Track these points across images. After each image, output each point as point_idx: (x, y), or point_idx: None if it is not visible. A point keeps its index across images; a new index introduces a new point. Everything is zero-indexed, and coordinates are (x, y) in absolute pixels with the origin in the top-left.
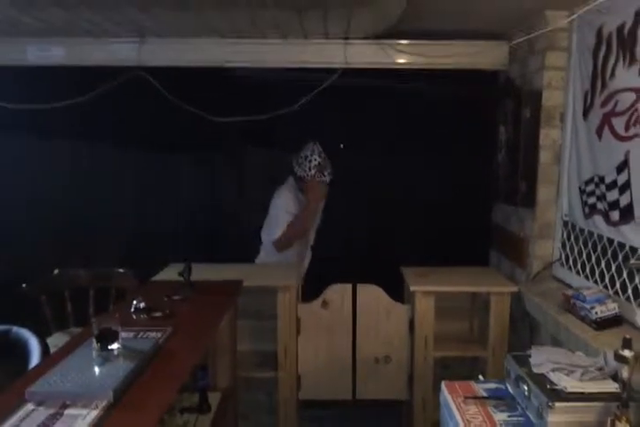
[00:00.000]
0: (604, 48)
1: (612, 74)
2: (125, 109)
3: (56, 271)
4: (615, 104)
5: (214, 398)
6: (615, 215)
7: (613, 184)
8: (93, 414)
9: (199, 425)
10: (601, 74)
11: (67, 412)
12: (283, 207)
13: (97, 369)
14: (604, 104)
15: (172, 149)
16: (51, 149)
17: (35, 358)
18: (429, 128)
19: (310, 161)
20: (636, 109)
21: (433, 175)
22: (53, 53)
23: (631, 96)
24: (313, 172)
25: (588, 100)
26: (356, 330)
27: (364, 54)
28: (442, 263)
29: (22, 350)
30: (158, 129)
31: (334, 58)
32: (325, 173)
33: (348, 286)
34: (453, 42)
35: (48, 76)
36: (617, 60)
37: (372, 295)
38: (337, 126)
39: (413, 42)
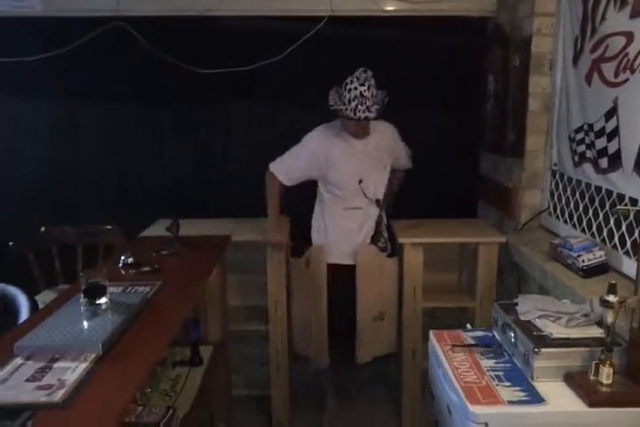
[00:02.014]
0: None
1: (603, 18)
2: (105, 62)
3: (43, 229)
4: (605, 49)
5: (206, 352)
6: (604, 163)
7: (602, 131)
8: (83, 366)
9: (191, 378)
10: (591, 18)
11: (56, 365)
12: (303, 140)
13: (85, 323)
14: (593, 49)
15: (155, 102)
16: (28, 105)
17: (23, 315)
18: (417, 78)
19: (349, 90)
20: (627, 54)
21: (420, 126)
22: (28, 4)
23: (621, 40)
24: (340, 103)
25: (578, 46)
26: (356, 290)
27: (351, 1)
28: (430, 215)
29: (11, 307)
30: (140, 82)
31: (319, 5)
32: (360, 109)
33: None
34: None
35: (23, 28)
36: (608, 4)
37: (366, 254)
38: (324, 77)
39: None
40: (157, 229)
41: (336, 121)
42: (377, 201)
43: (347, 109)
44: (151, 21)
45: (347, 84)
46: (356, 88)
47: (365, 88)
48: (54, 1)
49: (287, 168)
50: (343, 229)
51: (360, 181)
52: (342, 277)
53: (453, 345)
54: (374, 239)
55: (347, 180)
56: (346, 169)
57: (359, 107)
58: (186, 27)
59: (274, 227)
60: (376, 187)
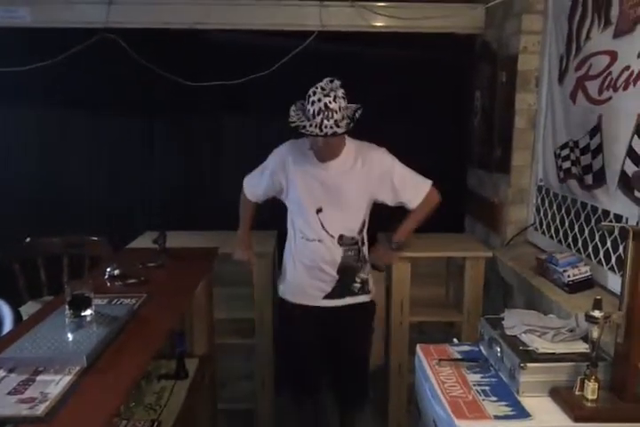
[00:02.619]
0: (579, 11)
1: (587, 37)
2: (95, 73)
3: (28, 239)
4: (589, 67)
5: (192, 365)
6: (589, 179)
7: (587, 148)
8: (67, 379)
9: (176, 391)
10: (576, 37)
11: (39, 378)
12: (269, 156)
13: (70, 335)
14: (578, 68)
15: (145, 114)
16: (17, 115)
17: (7, 326)
18: (404, 94)
19: (312, 102)
20: (610, 73)
21: (408, 141)
22: (19, 15)
23: (605, 59)
24: (304, 119)
25: (563, 64)
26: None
27: (340, 17)
28: (417, 230)
29: None
30: (130, 93)
31: (310, 20)
32: (326, 124)
33: None
34: (430, 4)
35: (13, 39)
36: (592, 23)
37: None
38: None
39: (390, 4)
40: (144, 241)
41: (303, 139)
42: (340, 237)
43: (311, 125)
44: (141, 33)
45: (309, 95)
46: (319, 99)
47: (331, 99)
48: (44, 12)
49: (252, 184)
50: (304, 263)
51: (319, 210)
52: (308, 319)
53: (440, 359)
54: (343, 281)
55: (304, 205)
56: (303, 193)
57: (325, 122)
58: (176, 39)
59: (239, 243)
60: (337, 223)
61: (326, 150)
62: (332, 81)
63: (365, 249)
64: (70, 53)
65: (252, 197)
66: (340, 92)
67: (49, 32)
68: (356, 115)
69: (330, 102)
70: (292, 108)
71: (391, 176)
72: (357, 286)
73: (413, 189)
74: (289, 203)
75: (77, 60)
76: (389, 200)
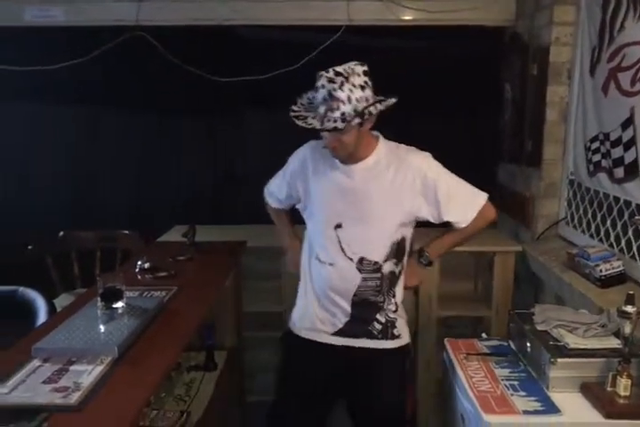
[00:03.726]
0: (613, 1)
1: (621, 27)
2: (125, 70)
3: (61, 233)
4: (622, 59)
5: (220, 357)
6: (620, 172)
7: (618, 141)
8: (99, 369)
9: (205, 383)
10: (609, 28)
11: (72, 368)
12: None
13: (102, 327)
14: (610, 59)
15: (174, 110)
16: (50, 112)
17: (41, 318)
18: (434, 87)
19: (315, 89)
20: None
21: (437, 135)
22: (51, 13)
23: (639, 50)
24: (305, 110)
25: (595, 56)
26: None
27: (368, 11)
28: (447, 224)
29: (29, 310)
30: (159, 90)
31: (337, 15)
32: (330, 118)
33: None
34: None
35: (45, 38)
36: (627, 13)
37: None
38: None
39: None
40: (174, 235)
41: None
42: (360, 261)
43: (314, 117)
44: (171, 31)
45: (317, 80)
46: (323, 86)
47: (336, 86)
48: (76, 11)
49: (272, 191)
50: (315, 290)
51: (338, 226)
52: (316, 359)
53: (467, 354)
54: (359, 319)
55: (320, 218)
56: (321, 203)
57: (329, 114)
58: (205, 36)
59: (289, 257)
60: (359, 243)
61: (338, 149)
62: (355, 65)
63: (397, 282)
64: (101, 51)
65: (277, 204)
66: (359, 80)
67: (80, 30)
68: (370, 110)
69: (335, 90)
70: (305, 95)
71: (435, 188)
72: (378, 327)
73: (462, 206)
74: (306, 215)
75: (107, 58)
76: (432, 217)
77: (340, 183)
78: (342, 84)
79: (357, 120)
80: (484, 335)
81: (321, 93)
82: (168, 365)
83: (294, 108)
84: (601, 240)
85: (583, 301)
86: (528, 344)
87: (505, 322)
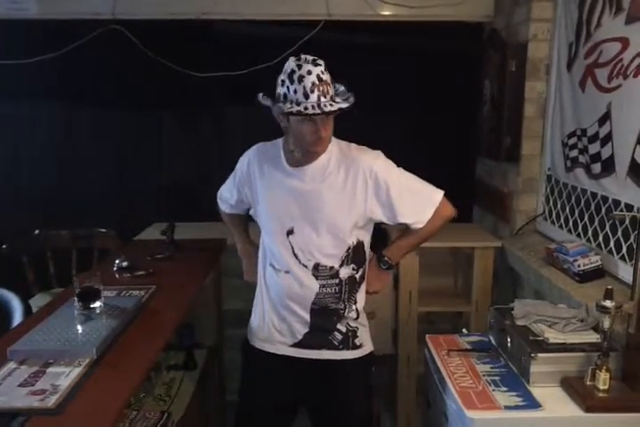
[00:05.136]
0: None
1: (598, 24)
2: (101, 65)
3: (37, 232)
4: (599, 55)
5: (200, 356)
6: (597, 168)
7: (595, 136)
8: (76, 371)
9: (185, 382)
10: (586, 24)
11: (49, 370)
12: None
13: (79, 327)
14: (587, 55)
15: (151, 105)
16: (23, 108)
17: (17, 319)
18: (413, 83)
19: (300, 78)
20: (621, 60)
21: (416, 131)
22: (24, 6)
23: (616, 46)
24: (292, 100)
25: (573, 52)
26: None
27: (347, 6)
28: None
29: (4, 311)
30: (136, 85)
31: (316, 9)
32: (324, 102)
33: None
34: None
35: (19, 31)
36: (603, 10)
37: None
38: None
39: None
40: (153, 233)
41: (275, 141)
42: (315, 267)
43: (313, 107)
44: (147, 24)
45: (293, 71)
46: (309, 71)
47: (322, 68)
48: (50, 3)
49: (225, 197)
50: (271, 299)
51: (290, 232)
52: (275, 373)
53: (449, 350)
54: (318, 328)
55: (271, 225)
56: (270, 209)
57: (322, 99)
58: (183, 31)
59: (247, 265)
60: (312, 249)
61: (324, 140)
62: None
63: (357, 287)
64: (76, 45)
65: (229, 210)
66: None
67: (55, 24)
68: (351, 100)
69: (322, 73)
70: (262, 96)
71: (387, 188)
72: (339, 337)
73: (417, 207)
74: (258, 221)
75: (83, 52)
76: (387, 219)
77: (289, 186)
78: (325, 68)
79: (352, 100)
80: (464, 331)
81: (308, 80)
82: (147, 365)
83: (285, 108)
84: (579, 235)
85: (562, 295)
86: (508, 339)
87: (485, 317)
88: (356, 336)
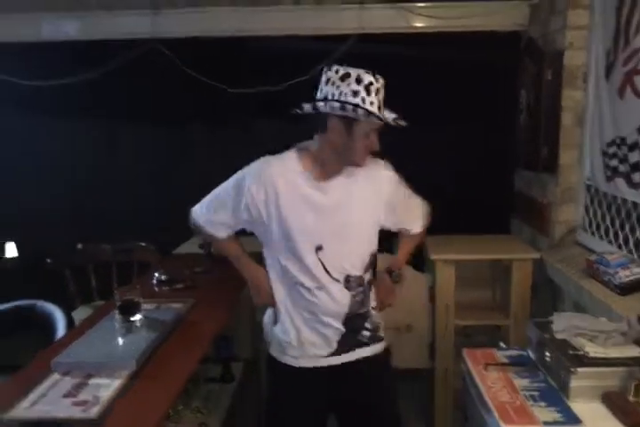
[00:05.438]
0: (628, 4)
1: (637, 30)
2: (140, 83)
3: (79, 246)
4: (638, 61)
5: (237, 369)
6: (637, 177)
7: (635, 145)
8: (117, 383)
9: (223, 395)
10: (624, 31)
11: (91, 381)
12: (233, 176)
13: (120, 340)
14: (626, 62)
15: (187, 121)
16: (66, 126)
17: (60, 331)
18: (449, 95)
19: (365, 83)
20: None
21: (452, 143)
22: (67, 28)
23: None
24: (330, 92)
25: (610, 59)
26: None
27: (380, 19)
28: (463, 231)
29: (47, 324)
30: (173, 102)
31: (349, 23)
32: (368, 101)
33: None
34: (471, 2)
35: (61, 51)
36: None
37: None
38: None
39: (430, 4)
40: (191, 247)
41: (288, 152)
42: (346, 280)
43: (389, 119)
44: (184, 42)
45: (370, 83)
46: (371, 83)
47: (380, 79)
48: (91, 25)
49: (212, 220)
50: (303, 316)
51: (318, 248)
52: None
53: (486, 364)
54: (350, 332)
55: (298, 244)
56: (297, 227)
57: (389, 113)
58: (219, 48)
59: (260, 288)
60: (342, 262)
61: (370, 150)
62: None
63: (371, 287)
64: (116, 65)
65: (226, 233)
66: None
67: (97, 44)
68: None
69: (382, 88)
70: (327, 107)
71: (397, 196)
72: (367, 334)
73: (417, 214)
74: (270, 241)
75: (123, 70)
76: (392, 224)
77: (314, 202)
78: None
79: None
80: (502, 345)
81: (373, 87)
82: (186, 377)
83: (341, 97)
84: (620, 246)
85: (603, 308)
86: (547, 353)
87: (523, 331)
88: (379, 330)
